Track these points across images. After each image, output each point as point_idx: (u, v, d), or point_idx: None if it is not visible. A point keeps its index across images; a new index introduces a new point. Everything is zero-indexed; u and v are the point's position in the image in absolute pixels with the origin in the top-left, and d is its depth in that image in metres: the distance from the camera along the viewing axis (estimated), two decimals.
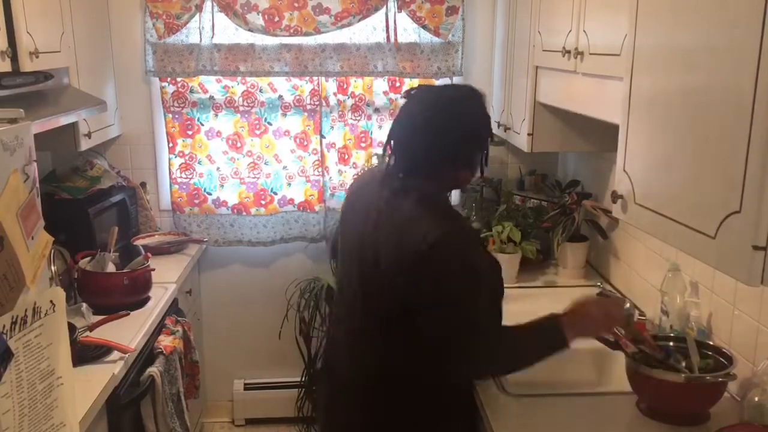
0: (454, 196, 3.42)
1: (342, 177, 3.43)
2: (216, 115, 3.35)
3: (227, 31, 3.23)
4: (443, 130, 1.76)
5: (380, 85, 3.36)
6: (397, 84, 3.36)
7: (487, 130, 1.83)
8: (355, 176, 3.38)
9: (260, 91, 3.34)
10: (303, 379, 3.43)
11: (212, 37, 3.22)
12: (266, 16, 3.17)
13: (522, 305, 2.49)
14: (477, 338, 1.66)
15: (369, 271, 1.76)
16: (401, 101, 1.93)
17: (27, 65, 2.25)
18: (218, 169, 3.40)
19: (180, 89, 3.30)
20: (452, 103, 1.80)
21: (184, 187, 3.40)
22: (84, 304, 2.51)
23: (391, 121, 1.90)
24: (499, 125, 3.11)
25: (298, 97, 3.35)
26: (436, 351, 1.67)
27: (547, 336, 1.72)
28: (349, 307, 1.88)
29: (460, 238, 1.69)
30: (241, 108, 3.34)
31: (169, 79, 3.28)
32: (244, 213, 3.43)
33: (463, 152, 1.80)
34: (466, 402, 1.91)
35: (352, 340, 1.86)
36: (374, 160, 3.36)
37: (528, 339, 1.73)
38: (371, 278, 1.76)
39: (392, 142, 1.82)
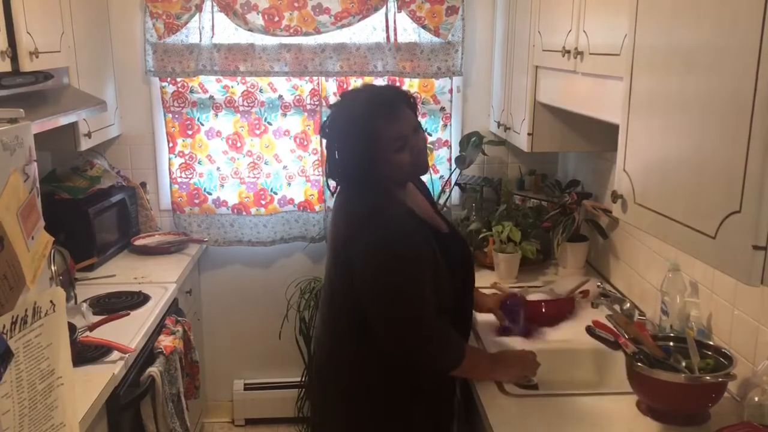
0: (454, 195, 3.42)
1: None
2: (216, 115, 3.35)
3: (227, 31, 3.23)
4: (342, 146, 1.91)
5: None
6: (398, 84, 3.35)
7: (370, 129, 1.85)
8: None
9: (260, 91, 3.33)
10: (303, 379, 3.43)
11: (212, 37, 3.22)
12: (266, 16, 3.17)
13: None
14: (397, 311, 1.81)
15: (330, 265, 2.00)
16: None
17: (27, 65, 2.25)
18: (218, 169, 3.40)
19: (180, 89, 3.30)
20: (340, 116, 1.93)
21: (184, 187, 3.40)
22: (84, 304, 2.51)
23: None
24: (499, 125, 3.12)
25: (298, 97, 3.35)
26: (371, 326, 1.84)
27: (478, 352, 2.09)
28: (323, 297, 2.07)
29: (382, 222, 1.83)
30: (241, 108, 3.34)
31: (169, 79, 3.28)
32: (244, 213, 3.43)
33: (362, 158, 1.87)
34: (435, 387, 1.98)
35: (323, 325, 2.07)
36: None
37: (460, 340, 1.93)
38: (332, 271, 1.99)
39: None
